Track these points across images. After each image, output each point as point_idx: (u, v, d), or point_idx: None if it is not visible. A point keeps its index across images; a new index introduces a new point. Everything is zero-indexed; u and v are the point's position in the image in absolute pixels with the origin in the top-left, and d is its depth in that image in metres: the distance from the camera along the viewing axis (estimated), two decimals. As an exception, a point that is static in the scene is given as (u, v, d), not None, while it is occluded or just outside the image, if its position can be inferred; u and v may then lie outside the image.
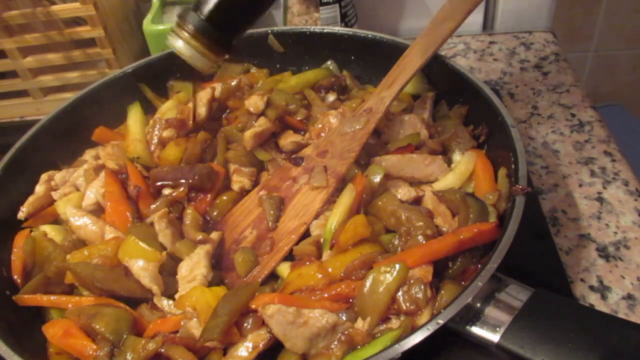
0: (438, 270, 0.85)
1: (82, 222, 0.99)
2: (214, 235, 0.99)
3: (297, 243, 0.95)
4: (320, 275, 0.86)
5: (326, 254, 0.91)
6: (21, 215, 1.03)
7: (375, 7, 1.60)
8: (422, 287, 0.81)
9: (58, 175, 1.10)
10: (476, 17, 1.62)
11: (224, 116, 1.19)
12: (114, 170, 1.05)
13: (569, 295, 0.96)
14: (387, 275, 0.82)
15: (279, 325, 0.79)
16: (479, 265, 0.84)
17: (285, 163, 1.08)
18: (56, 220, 1.06)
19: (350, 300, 0.84)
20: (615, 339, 0.71)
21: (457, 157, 1.04)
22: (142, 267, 0.90)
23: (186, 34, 0.77)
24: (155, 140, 1.12)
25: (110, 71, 1.42)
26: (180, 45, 0.76)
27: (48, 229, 1.02)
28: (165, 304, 0.90)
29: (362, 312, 0.82)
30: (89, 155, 1.15)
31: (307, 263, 0.90)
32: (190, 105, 1.14)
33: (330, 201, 0.98)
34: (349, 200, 0.93)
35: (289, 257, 0.95)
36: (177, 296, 0.90)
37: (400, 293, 0.81)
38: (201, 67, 0.82)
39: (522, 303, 0.75)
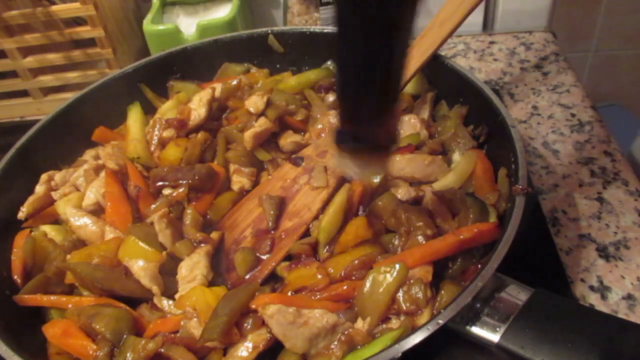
0: (438, 270, 0.85)
1: (82, 222, 0.99)
2: (214, 235, 0.99)
3: (297, 243, 0.95)
4: (320, 276, 0.86)
5: (321, 253, 0.92)
6: (21, 215, 1.03)
7: (375, 7, 1.60)
8: (422, 287, 0.81)
9: (58, 175, 1.10)
10: (476, 17, 1.62)
11: (224, 116, 1.19)
12: (114, 170, 1.05)
13: (569, 295, 0.96)
14: (387, 275, 0.82)
15: (279, 325, 0.79)
16: (479, 265, 0.84)
17: (285, 163, 1.08)
18: (56, 220, 1.06)
19: (350, 300, 0.84)
20: (615, 339, 0.71)
21: (457, 157, 1.04)
22: (142, 267, 0.91)
23: (346, 155, 0.68)
24: (155, 140, 1.12)
25: (110, 71, 1.42)
26: (350, 172, 0.71)
27: (48, 229, 1.02)
28: (165, 304, 0.90)
29: (362, 312, 0.82)
30: (89, 155, 1.15)
31: (303, 258, 0.91)
32: (190, 105, 1.14)
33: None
34: (342, 200, 0.92)
35: (289, 257, 0.95)
36: (177, 296, 0.90)
37: (400, 293, 0.81)
38: (376, 176, 0.76)
39: (522, 303, 0.75)
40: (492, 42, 1.57)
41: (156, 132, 1.12)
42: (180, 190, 1.01)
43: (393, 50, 0.56)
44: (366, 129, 0.65)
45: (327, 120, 1.10)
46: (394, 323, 0.81)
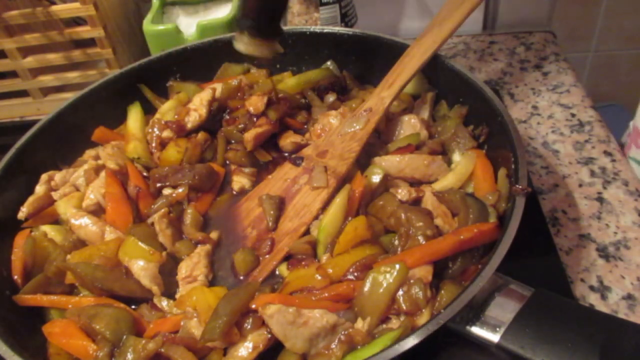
0: (438, 270, 0.85)
1: (83, 223, 0.99)
2: (214, 235, 0.99)
3: (297, 243, 0.95)
4: (319, 277, 0.86)
5: (321, 253, 0.92)
6: (21, 215, 1.03)
7: (375, 7, 1.60)
8: (422, 287, 0.81)
9: (58, 175, 1.10)
10: (476, 17, 1.62)
11: (224, 116, 1.19)
12: (114, 170, 1.05)
13: (569, 295, 0.96)
14: (387, 276, 0.82)
15: (279, 325, 0.79)
16: (479, 265, 0.84)
17: (285, 163, 1.08)
18: (56, 220, 1.06)
19: (350, 300, 0.84)
20: (615, 339, 0.71)
21: (457, 157, 1.04)
22: (142, 267, 0.91)
23: (245, 38, 0.95)
24: (156, 140, 1.12)
25: (110, 71, 1.42)
26: (242, 48, 0.97)
27: (48, 229, 1.02)
28: (165, 304, 0.90)
29: (362, 312, 0.82)
30: (89, 155, 1.15)
31: (303, 258, 0.91)
32: (190, 106, 1.14)
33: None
34: (342, 200, 0.92)
35: (289, 257, 0.95)
36: (177, 296, 0.90)
37: (400, 293, 0.81)
38: (265, 55, 0.99)
39: (522, 303, 0.75)
40: (492, 42, 1.57)
41: (156, 132, 1.12)
42: (180, 190, 1.01)
43: None
44: (261, 20, 0.94)
45: (327, 120, 1.10)
46: (394, 323, 0.81)
